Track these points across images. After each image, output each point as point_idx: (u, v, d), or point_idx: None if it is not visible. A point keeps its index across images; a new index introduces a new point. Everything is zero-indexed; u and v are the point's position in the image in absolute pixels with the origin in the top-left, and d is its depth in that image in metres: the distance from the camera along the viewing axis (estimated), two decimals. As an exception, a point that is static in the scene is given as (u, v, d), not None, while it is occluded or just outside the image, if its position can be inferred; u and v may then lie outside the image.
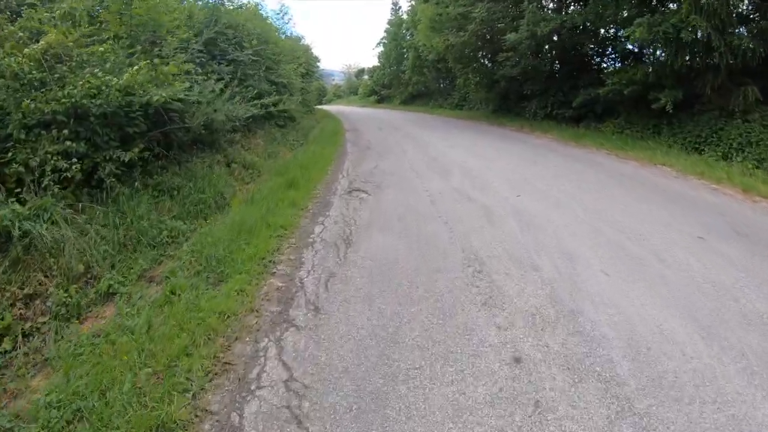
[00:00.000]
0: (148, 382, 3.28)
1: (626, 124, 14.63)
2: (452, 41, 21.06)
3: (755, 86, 10.81)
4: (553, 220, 6.56)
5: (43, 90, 5.76)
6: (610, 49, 18.00)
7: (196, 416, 3.04)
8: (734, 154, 10.48)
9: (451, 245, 5.74)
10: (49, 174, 5.31)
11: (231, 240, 5.79)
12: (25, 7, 6.59)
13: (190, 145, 8.61)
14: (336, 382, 3.30)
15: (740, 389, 3.14)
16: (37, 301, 4.55)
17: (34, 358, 3.94)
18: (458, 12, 20.39)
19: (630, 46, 15.64)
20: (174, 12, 9.15)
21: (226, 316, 4.14)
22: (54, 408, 3.11)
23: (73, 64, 6.17)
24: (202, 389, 3.27)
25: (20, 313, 4.40)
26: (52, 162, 5.37)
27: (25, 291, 4.55)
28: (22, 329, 4.22)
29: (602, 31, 17.45)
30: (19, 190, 5.20)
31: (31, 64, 5.73)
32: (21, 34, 5.99)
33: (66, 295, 4.52)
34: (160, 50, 8.06)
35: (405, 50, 43.38)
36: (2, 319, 4.10)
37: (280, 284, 4.85)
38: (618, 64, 17.22)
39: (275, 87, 15.05)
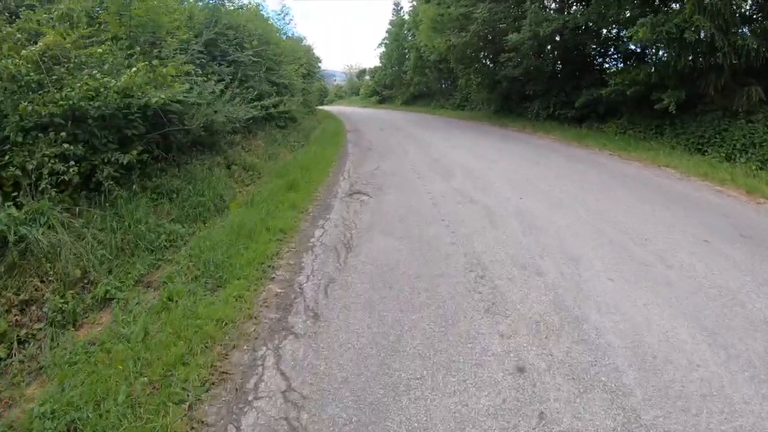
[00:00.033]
0: (143, 393, 3.21)
1: (629, 125, 14.55)
2: (454, 42, 20.99)
3: (759, 86, 10.73)
4: (556, 222, 6.48)
5: (41, 92, 5.71)
6: (612, 50, 17.92)
7: (192, 428, 2.97)
8: (738, 155, 10.40)
9: (453, 249, 5.67)
10: (47, 177, 5.26)
11: (230, 244, 5.72)
12: (24, 8, 6.52)
13: (189, 147, 8.55)
14: (335, 392, 3.22)
15: (748, 398, 3.06)
16: (33, 307, 4.49)
17: (29, 366, 3.87)
18: (460, 12, 20.33)
19: (632, 47, 15.57)
20: (174, 13, 9.08)
21: (223, 324, 4.07)
22: (48, 419, 3.04)
23: (71, 65, 6.12)
24: (198, 400, 3.20)
25: (16, 320, 4.33)
26: (50, 165, 5.32)
27: (21, 297, 4.49)
28: (18, 336, 4.16)
29: (604, 31, 17.37)
30: (15, 193, 5.15)
31: (29, 66, 5.67)
32: (19, 35, 5.93)
33: (62, 301, 4.45)
34: (159, 51, 8.00)
35: (407, 51, 43.31)
36: (-3, 325, 4.04)
37: (279, 290, 4.78)
38: (620, 65, 17.16)
39: (276, 88, 14.99)
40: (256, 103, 11.00)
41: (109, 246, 5.33)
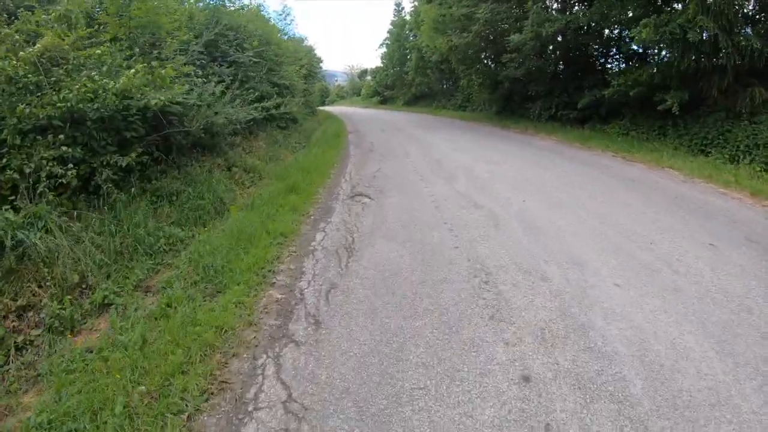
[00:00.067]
0: (141, 403, 3.14)
1: (631, 126, 14.50)
2: (455, 42, 20.94)
3: (762, 87, 10.69)
4: (561, 226, 6.42)
5: (39, 94, 5.65)
6: (614, 50, 17.86)
7: (191, 440, 2.91)
8: (741, 157, 10.33)
9: (456, 253, 5.59)
10: (45, 180, 5.21)
11: (230, 248, 5.66)
12: (22, 9, 6.46)
13: (189, 149, 8.49)
14: (337, 403, 3.14)
15: (756, 408, 3.00)
16: (31, 313, 4.44)
17: (26, 373, 3.82)
18: (462, 13, 20.26)
19: (635, 47, 15.53)
20: (174, 13, 9.03)
21: (223, 331, 4.00)
22: (44, 429, 2.99)
23: (70, 67, 6.07)
24: (197, 410, 3.13)
25: (13, 326, 4.29)
26: (48, 168, 5.27)
27: (18, 302, 4.44)
28: (15, 342, 4.11)
29: (607, 31, 17.31)
30: (13, 197, 5.09)
31: (27, 67, 5.61)
32: (17, 36, 5.87)
33: (60, 306, 4.39)
34: (159, 52, 7.95)
35: (408, 51, 43.27)
36: (-6, 332, 3.99)
37: (280, 296, 4.70)
38: (623, 65, 17.12)
39: (277, 89, 14.95)
40: (256, 105, 10.95)
41: (107, 250, 5.27)
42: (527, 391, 3.18)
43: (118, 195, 5.97)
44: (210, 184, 7.74)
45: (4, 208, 4.72)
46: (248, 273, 5.07)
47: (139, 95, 6.36)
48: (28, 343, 4.17)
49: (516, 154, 12.96)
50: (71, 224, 5.25)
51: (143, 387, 3.28)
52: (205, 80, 8.89)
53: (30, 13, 6.32)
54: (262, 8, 17.90)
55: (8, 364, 3.89)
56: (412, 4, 39.96)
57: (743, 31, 11.13)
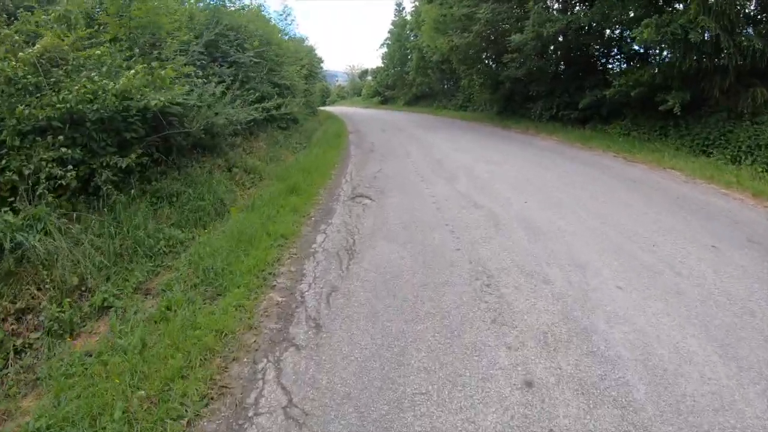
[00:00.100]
0: (140, 408, 3.11)
1: (633, 126, 14.46)
2: (456, 42, 20.91)
3: (764, 88, 10.65)
4: (563, 227, 6.38)
5: (38, 95, 5.63)
6: (615, 50, 17.82)
7: (190, 446, 2.88)
8: (743, 157, 10.29)
9: (458, 255, 5.56)
10: (44, 182, 5.18)
11: (230, 250, 5.62)
12: (21, 9, 6.43)
13: (190, 150, 8.46)
14: (338, 408, 3.11)
15: (760, 413, 2.97)
16: (30, 316, 4.42)
17: (25, 377, 3.81)
18: (462, 13, 20.23)
19: (636, 47, 15.50)
20: (175, 14, 9.00)
21: (223, 334, 3.96)
22: (43, 435, 2.96)
23: (69, 68, 6.04)
24: (197, 415, 3.10)
25: (12, 329, 4.27)
26: (47, 169, 5.25)
27: (18, 305, 4.42)
28: (14, 346, 4.09)
29: (608, 31, 17.28)
30: (12, 199, 5.07)
31: (26, 68, 5.59)
32: (17, 37, 5.85)
33: (59, 309, 4.37)
34: (159, 53, 7.92)
35: (409, 51, 43.21)
36: (-7, 335, 3.97)
37: (280, 299, 4.67)
38: (624, 65, 17.09)
39: (278, 89, 14.91)
40: (257, 106, 10.92)
41: (107, 252, 5.25)
42: (530, 397, 3.15)
43: (117, 196, 5.94)
44: (210, 185, 7.71)
45: (3, 210, 4.71)
46: (248, 275, 5.04)
47: (138, 96, 6.34)
48: (27, 346, 4.15)
49: (517, 154, 12.93)
50: (70, 226, 5.22)
51: (143, 392, 3.25)
52: (206, 81, 8.86)
53: (29, 13, 6.29)
54: (262, 8, 17.85)
55: (7, 368, 3.87)
56: (413, 4, 39.94)
57: (744, 31, 11.11)
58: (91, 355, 3.78)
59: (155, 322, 4.19)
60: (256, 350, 3.82)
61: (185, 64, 8.03)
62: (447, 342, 3.81)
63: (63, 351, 3.97)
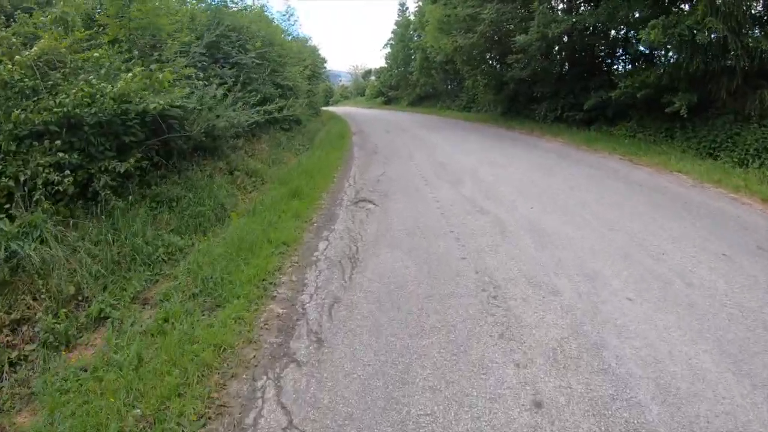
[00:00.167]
0: (135, 428, 3.01)
1: (638, 128, 14.34)
2: (461, 43, 20.82)
3: (772, 90, 10.50)
4: (570, 234, 6.26)
5: (35, 99, 5.53)
6: (620, 51, 17.69)
7: (186, 471, 2.76)
8: (751, 161, 10.14)
9: (463, 265, 5.42)
10: (41, 188, 5.09)
11: (230, 259, 5.51)
12: (19, 11, 6.33)
13: (191, 153, 8.36)
14: (339, 430, 2.99)
15: (775, 435, 2.84)
16: (25, 327, 4.32)
17: (20, 391, 3.72)
18: (467, 13, 20.14)
19: (641, 48, 15.37)
20: (176, 14, 8.90)
21: (222, 349, 3.85)
22: (36, 455, 2.86)
23: (67, 70, 5.93)
24: (193, 437, 2.99)
25: (7, 340, 4.17)
26: (44, 175, 5.15)
27: (12, 316, 4.33)
28: (9, 358, 4.00)
29: (613, 32, 17.14)
30: (8, 205, 4.97)
31: (23, 71, 5.48)
32: (14, 39, 5.75)
33: (55, 320, 4.26)
34: (159, 54, 7.81)
35: (412, 51, 43.05)
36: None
37: (281, 310, 4.55)
38: (629, 66, 16.97)
39: (280, 90, 14.81)
40: (259, 108, 10.80)
41: (104, 260, 5.14)
42: (539, 418, 3.03)
43: (116, 202, 5.84)
44: (211, 189, 7.60)
45: (-1, 216, 4.62)
46: (248, 285, 4.92)
47: (137, 99, 6.23)
48: (22, 358, 4.07)
49: (522, 156, 12.81)
50: (67, 233, 5.12)
51: (138, 410, 3.15)
52: (207, 83, 8.74)
53: (27, 15, 6.18)
54: (265, 9, 17.74)
55: (2, 381, 3.79)
56: (417, 5, 39.80)
57: (751, 32, 10.97)
58: (86, 370, 3.68)
59: (152, 335, 4.08)
60: (256, 366, 3.70)
61: (186, 66, 7.93)
62: (453, 359, 3.68)
63: (58, 365, 3.86)
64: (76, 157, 5.55)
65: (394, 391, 3.33)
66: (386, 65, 51.91)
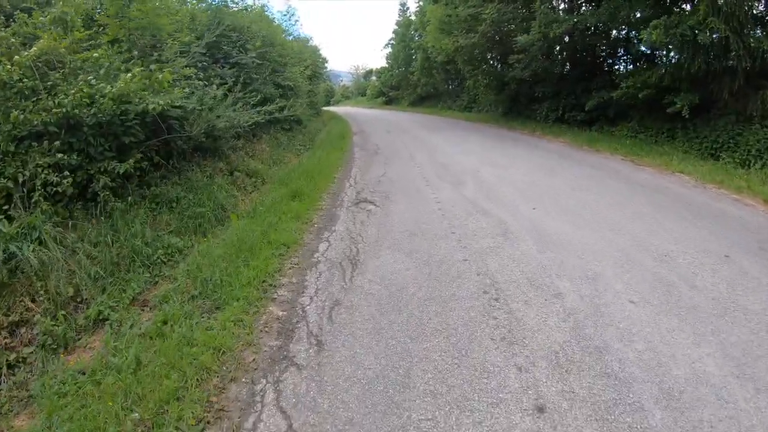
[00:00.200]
0: (134, 432, 2.98)
1: (640, 128, 14.32)
2: (462, 43, 20.78)
3: (773, 90, 10.46)
4: (572, 236, 6.22)
5: (34, 99, 5.50)
6: (622, 51, 17.65)
7: (184, 477, 2.73)
8: (753, 161, 10.10)
9: (465, 267, 5.38)
10: (40, 189, 5.06)
11: (229, 260, 5.47)
12: (18, 12, 6.30)
13: (191, 153, 8.33)
14: (340, 435, 2.96)
15: (779, 439, 2.81)
16: (23, 329, 4.30)
17: (18, 394, 3.71)
18: (468, 13, 20.11)
19: (643, 48, 15.35)
20: (176, 14, 8.87)
21: (221, 352, 3.82)
22: (34, 460, 2.84)
23: (66, 71, 5.90)
24: (192, 441, 2.96)
25: (5, 343, 4.15)
26: (43, 176, 5.13)
27: (11, 318, 4.31)
28: (7, 360, 3.98)
29: (614, 32, 17.10)
30: (7, 206, 4.95)
31: (21, 71, 5.45)
32: (13, 40, 5.71)
33: (53, 323, 4.24)
34: (159, 54, 7.78)
35: (413, 51, 43.06)
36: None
37: (281, 313, 4.52)
38: (630, 66, 16.93)
39: (281, 90, 14.77)
40: (259, 108, 10.77)
41: (103, 262, 5.12)
42: (542, 423, 2.99)
43: (115, 203, 5.81)
44: (211, 190, 7.57)
45: (-3, 218, 4.59)
46: (248, 287, 4.89)
47: (137, 100, 6.19)
48: (20, 360, 4.06)
49: (524, 157, 12.76)
50: (66, 235, 5.09)
51: (136, 414, 3.12)
52: (207, 83, 8.71)
53: (26, 15, 6.15)
54: (266, 9, 17.71)
55: (0, 384, 3.76)
56: (418, 4, 39.84)
57: (753, 32, 10.93)
58: (84, 374, 3.65)
59: (151, 338, 4.05)
60: (255, 369, 3.67)
61: (186, 66, 7.89)
62: (454, 362, 3.64)
63: (56, 368, 3.85)
64: (75, 157, 5.53)
65: (395, 396, 3.29)
66: (387, 65, 51.95)
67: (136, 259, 5.41)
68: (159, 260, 5.61)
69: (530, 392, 3.28)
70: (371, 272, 5.36)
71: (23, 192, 5.04)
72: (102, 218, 5.63)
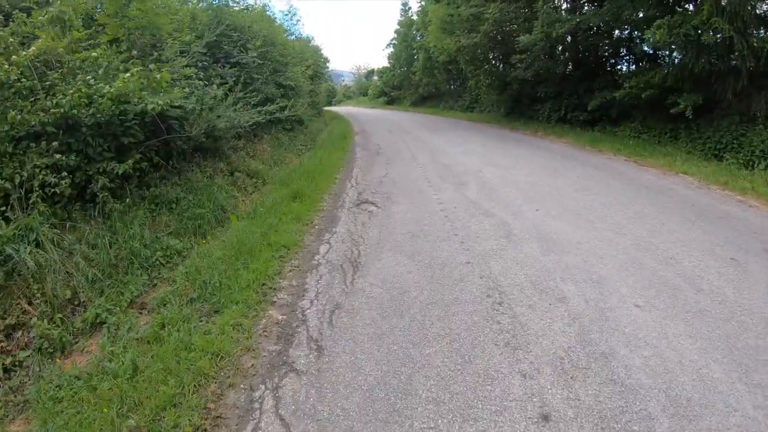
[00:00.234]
0: (129, 440, 2.91)
1: (643, 129, 14.25)
2: (464, 43, 20.72)
3: (777, 91, 10.39)
4: (576, 238, 6.15)
5: (32, 99, 5.44)
6: (624, 51, 17.57)
7: (180, 487, 2.66)
8: (756, 162, 10.02)
9: (468, 270, 5.31)
10: (38, 190, 5.01)
11: (229, 262, 5.41)
12: (17, 11, 6.24)
13: (191, 154, 8.27)
14: (339, 445, 2.89)
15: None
16: (20, 333, 4.24)
17: (14, 398, 3.65)
18: (470, 13, 20.04)
19: (645, 48, 15.26)
20: (176, 14, 8.82)
21: (219, 357, 3.75)
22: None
23: (65, 70, 5.85)
24: (188, 450, 2.89)
25: (1, 346, 4.10)
26: (41, 177, 5.08)
27: (7, 321, 4.26)
28: (3, 364, 3.92)
29: (617, 32, 17.03)
30: (4, 207, 4.89)
31: (19, 71, 5.39)
32: (11, 39, 5.66)
33: (50, 326, 4.19)
34: (159, 54, 7.72)
35: (415, 51, 43.06)
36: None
37: (280, 317, 4.45)
38: (632, 66, 16.87)
39: (282, 90, 14.72)
40: (260, 108, 10.71)
41: (101, 264, 5.07)
42: (547, 432, 2.92)
43: (114, 204, 5.75)
44: (211, 191, 7.51)
45: (-6, 219, 4.54)
46: (247, 290, 4.82)
47: (136, 100, 6.14)
48: (16, 364, 4.01)
49: (526, 157, 12.69)
50: (63, 236, 5.04)
51: (132, 421, 3.06)
52: (207, 83, 8.66)
53: (25, 15, 6.09)
54: (267, 8, 17.66)
55: (-4, 389, 3.71)
56: (419, 4, 39.85)
57: (755, 32, 10.87)
58: (80, 379, 3.59)
59: (148, 342, 3.99)
60: (254, 375, 3.60)
61: (186, 66, 7.84)
62: (457, 369, 3.57)
63: (52, 372, 3.79)
64: (73, 158, 5.48)
65: (397, 403, 3.22)
66: (389, 65, 51.97)
67: (134, 261, 5.35)
68: (158, 262, 5.56)
69: (535, 400, 3.21)
70: (373, 275, 5.29)
71: (21, 193, 4.99)
72: (100, 220, 5.57)
